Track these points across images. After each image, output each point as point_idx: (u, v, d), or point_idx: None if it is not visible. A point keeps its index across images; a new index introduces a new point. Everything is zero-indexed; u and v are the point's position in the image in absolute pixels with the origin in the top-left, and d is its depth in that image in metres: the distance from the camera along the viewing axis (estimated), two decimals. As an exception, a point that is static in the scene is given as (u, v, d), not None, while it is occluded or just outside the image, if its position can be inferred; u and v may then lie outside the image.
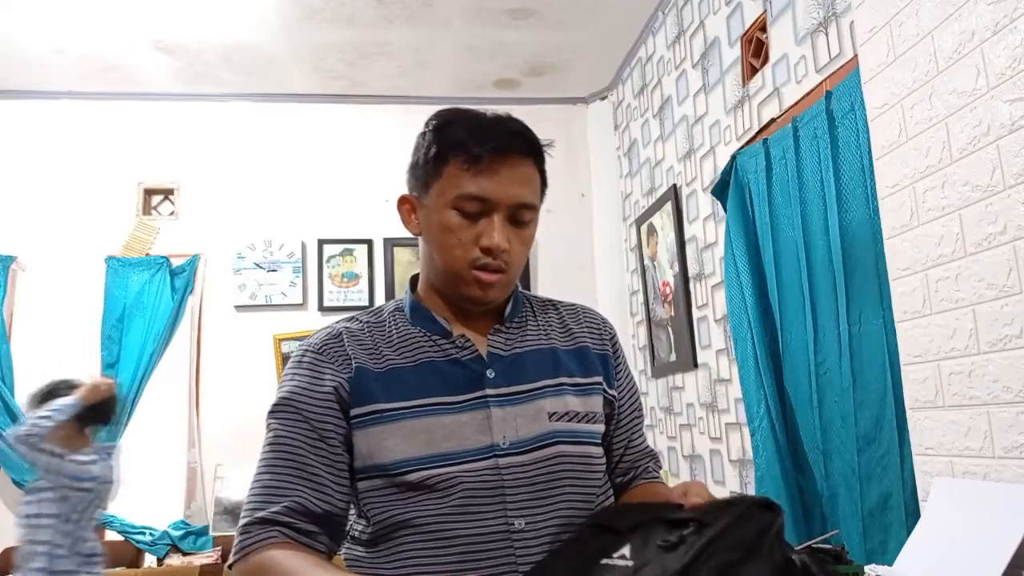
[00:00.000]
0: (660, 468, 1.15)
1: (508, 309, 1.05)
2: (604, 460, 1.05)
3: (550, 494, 0.94)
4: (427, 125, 1.01)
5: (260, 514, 0.91)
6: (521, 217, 0.98)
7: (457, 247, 0.97)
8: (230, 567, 0.93)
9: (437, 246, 0.99)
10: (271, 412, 0.98)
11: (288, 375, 1.00)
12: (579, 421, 1.00)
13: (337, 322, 1.05)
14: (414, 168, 1.02)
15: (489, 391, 0.97)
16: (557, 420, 0.98)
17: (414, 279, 1.09)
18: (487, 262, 0.96)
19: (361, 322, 1.04)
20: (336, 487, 0.95)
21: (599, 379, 1.06)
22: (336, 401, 0.96)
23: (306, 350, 1.01)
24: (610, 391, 1.07)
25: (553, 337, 1.07)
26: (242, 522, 0.92)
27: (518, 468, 0.94)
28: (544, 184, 1.03)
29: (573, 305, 1.15)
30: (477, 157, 0.94)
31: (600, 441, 1.04)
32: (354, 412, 0.96)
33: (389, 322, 1.04)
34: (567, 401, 1.00)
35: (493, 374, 0.99)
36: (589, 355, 1.07)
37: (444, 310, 1.03)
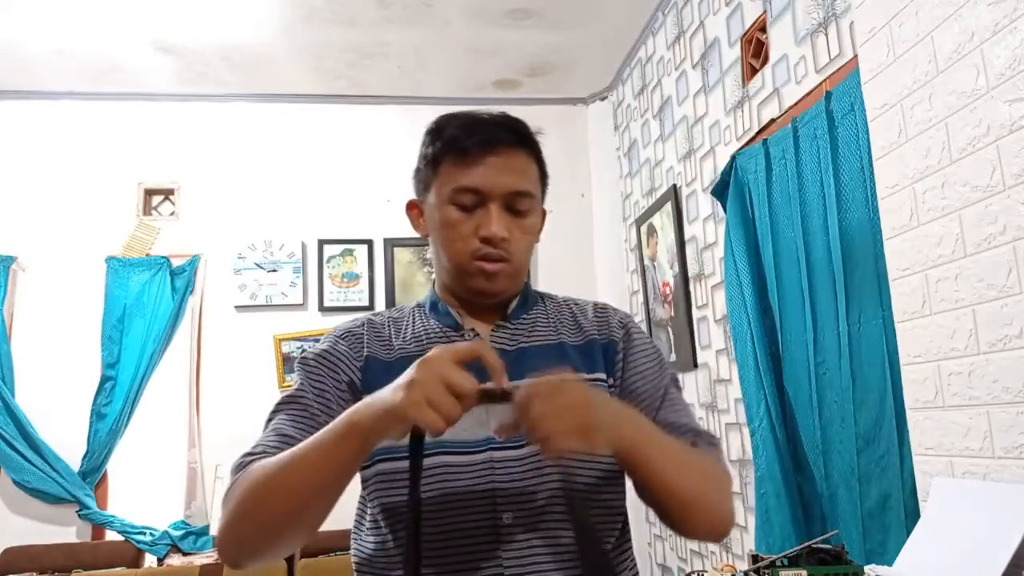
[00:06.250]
0: (712, 444, 1.02)
1: (514, 304, 1.07)
2: (606, 458, 1.01)
3: (537, 489, 0.94)
4: (427, 129, 1.06)
5: (259, 450, 0.92)
6: (518, 205, 1.01)
7: (458, 240, 1.00)
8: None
9: (441, 242, 1.03)
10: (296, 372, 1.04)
11: (311, 354, 1.05)
12: None
13: (367, 313, 1.12)
14: (416, 172, 1.08)
15: (490, 385, 0.97)
16: None
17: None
18: (488, 252, 0.99)
19: (385, 316, 1.10)
20: None
21: (601, 375, 1.05)
22: (349, 391, 1.00)
23: (331, 333, 1.08)
24: (612, 381, 1.05)
25: (563, 333, 1.07)
26: (239, 458, 0.93)
27: (512, 463, 0.94)
28: (544, 175, 1.06)
29: (587, 302, 1.16)
30: (466, 150, 0.99)
31: None
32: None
33: (409, 316, 1.09)
34: None
35: None
36: (594, 348, 1.06)
37: (457, 307, 1.07)
